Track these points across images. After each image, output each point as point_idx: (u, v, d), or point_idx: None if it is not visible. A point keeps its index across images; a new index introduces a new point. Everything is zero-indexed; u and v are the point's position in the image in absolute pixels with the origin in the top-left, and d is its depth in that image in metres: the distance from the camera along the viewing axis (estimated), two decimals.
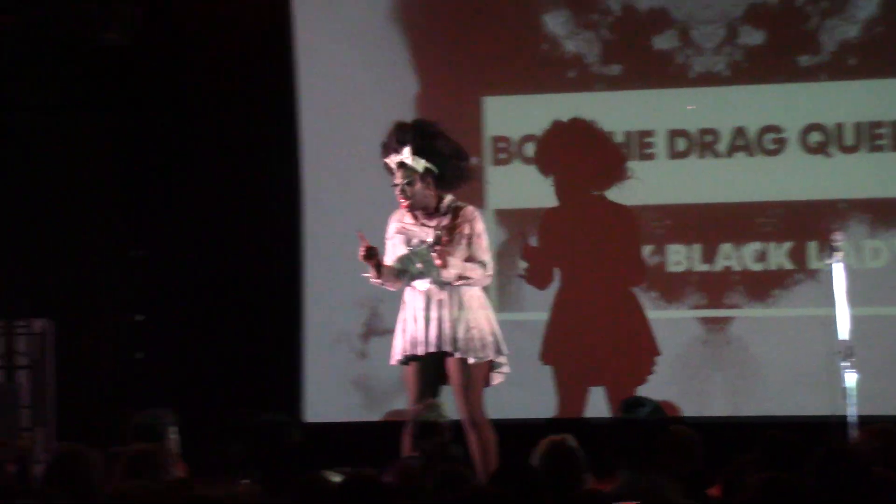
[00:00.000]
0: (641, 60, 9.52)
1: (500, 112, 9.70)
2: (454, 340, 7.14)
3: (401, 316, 7.35)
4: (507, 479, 4.55)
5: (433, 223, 7.24)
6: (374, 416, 9.54)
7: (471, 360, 7.17)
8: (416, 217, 7.29)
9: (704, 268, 9.44)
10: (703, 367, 9.38)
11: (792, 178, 9.34)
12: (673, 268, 9.41)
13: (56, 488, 4.92)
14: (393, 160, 7.27)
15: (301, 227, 9.82)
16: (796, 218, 9.31)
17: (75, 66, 10.06)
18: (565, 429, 5.74)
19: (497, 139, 9.68)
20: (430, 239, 7.21)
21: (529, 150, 9.63)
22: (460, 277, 7.19)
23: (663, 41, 9.50)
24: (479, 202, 9.63)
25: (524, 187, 9.58)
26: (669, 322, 9.40)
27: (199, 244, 10.05)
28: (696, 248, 9.45)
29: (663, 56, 9.49)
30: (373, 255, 7.28)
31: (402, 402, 8.43)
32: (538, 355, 9.41)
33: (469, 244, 7.27)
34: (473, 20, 9.73)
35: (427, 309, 7.18)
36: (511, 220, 9.55)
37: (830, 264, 7.73)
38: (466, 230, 7.28)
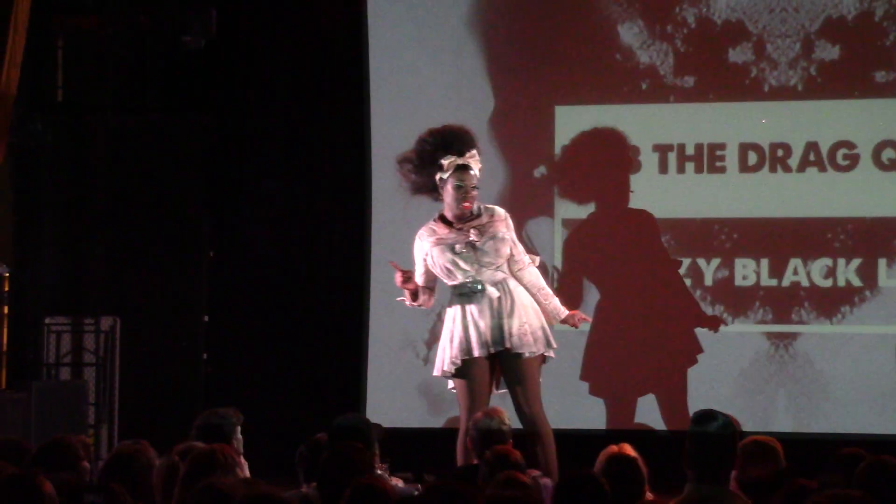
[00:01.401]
0: (715, 73, 9.48)
1: (572, 122, 9.68)
2: (510, 337, 7.13)
3: (450, 325, 7.28)
4: (573, 489, 4.52)
5: (470, 226, 7.21)
6: (437, 423, 9.54)
7: (526, 355, 7.15)
8: (450, 225, 7.25)
9: (772, 283, 9.37)
10: (769, 383, 9.31)
11: (863, 195, 9.27)
12: (740, 282, 9.35)
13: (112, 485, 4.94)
14: (457, 161, 7.20)
15: (368, 231, 9.84)
16: (866, 235, 9.23)
17: (153, 68, 10.15)
18: (626, 440, 5.70)
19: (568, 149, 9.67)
20: (473, 239, 7.19)
21: None
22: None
23: (738, 54, 9.46)
24: (547, 211, 9.63)
25: (591, 196, 9.55)
26: (736, 336, 9.33)
27: (266, 247, 10.10)
28: (764, 263, 9.38)
29: (737, 69, 9.45)
30: (410, 280, 7.29)
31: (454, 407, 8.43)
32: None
33: (514, 243, 7.29)
34: (548, 28, 9.73)
35: (482, 312, 7.15)
36: (578, 230, 9.55)
37: None
38: (503, 228, 7.28)
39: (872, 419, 8.83)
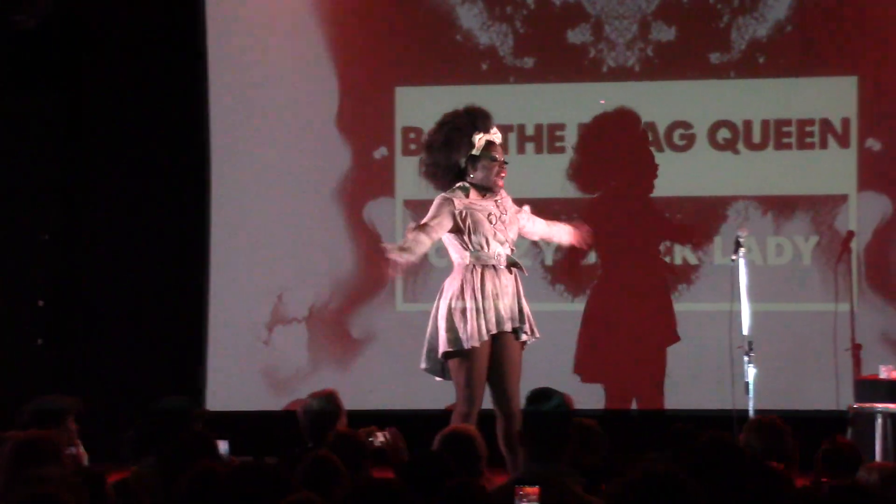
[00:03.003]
0: (554, 54, 9.55)
1: (413, 103, 9.68)
2: (527, 318, 7.06)
3: (476, 294, 7.06)
4: (415, 468, 4.53)
5: (495, 199, 7.15)
6: (278, 406, 9.49)
7: (529, 341, 7.10)
8: (482, 196, 7.16)
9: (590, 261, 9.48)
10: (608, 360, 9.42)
11: (699, 174, 9.41)
12: (580, 261, 9.42)
13: None
14: (486, 137, 7.14)
15: (208, 214, 9.74)
16: (702, 213, 9.38)
17: None
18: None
19: (408, 130, 9.67)
20: (505, 215, 7.12)
21: None
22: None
23: (577, 35, 9.54)
24: (388, 192, 9.63)
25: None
26: (574, 314, 9.41)
27: (105, 229, 9.93)
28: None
29: (576, 50, 9.53)
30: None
31: (307, 390, 8.38)
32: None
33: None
34: (388, 9, 9.71)
35: (505, 287, 7.00)
36: (419, 211, 9.53)
37: (735, 260, 7.79)
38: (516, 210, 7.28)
39: (706, 396, 8.97)
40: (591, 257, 9.44)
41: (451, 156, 7.14)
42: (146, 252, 9.84)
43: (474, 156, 7.13)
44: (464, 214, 7.05)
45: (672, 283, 9.34)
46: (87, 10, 10.00)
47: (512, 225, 7.16)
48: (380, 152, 9.69)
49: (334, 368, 9.56)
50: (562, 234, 7.41)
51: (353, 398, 9.26)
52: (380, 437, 5.90)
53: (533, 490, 4.46)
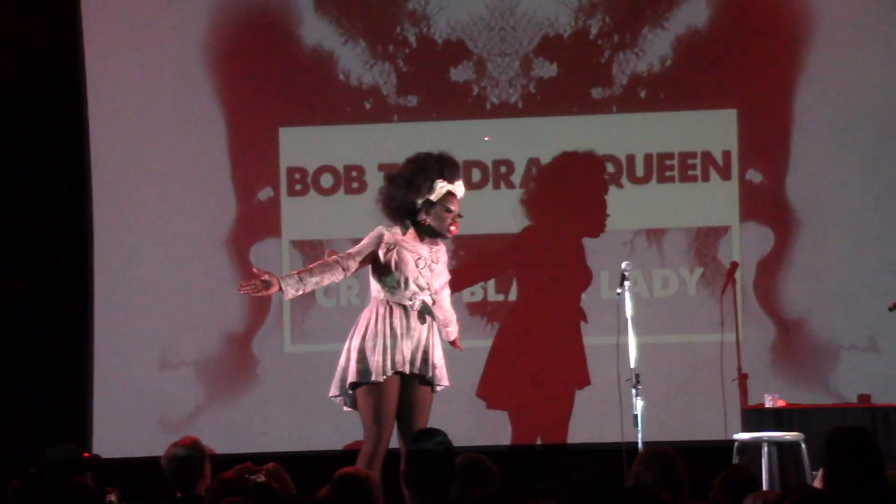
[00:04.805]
0: (438, 92, 9.58)
1: (297, 143, 9.66)
2: (433, 368, 7.02)
3: (383, 328, 7.01)
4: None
5: (431, 247, 7.12)
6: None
7: (437, 389, 7.08)
8: (420, 239, 7.13)
9: (499, 298, 9.50)
10: (500, 396, 9.43)
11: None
12: (468, 298, 9.44)
13: None
14: (448, 187, 7.12)
15: (90, 260, 9.61)
16: (589, 248, 9.43)
17: None
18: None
19: (293, 170, 9.64)
20: (435, 264, 7.09)
21: (326, 181, 9.61)
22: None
23: (459, 73, 9.58)
24: (274, 232, 9.59)
25: (320, 218, 9.55)
26: (466, 353, 9.40)
27: None
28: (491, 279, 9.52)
29: (459, 87, 9.57)
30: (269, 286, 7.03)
31: (198, 434, 8.28)
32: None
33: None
34: (271, 51, 9.68)
35: (412, 331, 6.96)
36: (307, 251, 9.51)
37: (620, 293, 7.83)
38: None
39: (596, 429, 9.01)
40: (512, 293, 9.50)
41: (409, 194, 7.13)
42: (29, 299, 9.70)
43: (431, 201, 7.13)
44: (391, 248, 7.06)
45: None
46: None
47: (439, 276, 7.17)
48: (265, 193, 9.66)
49: (224, 412, 9.49)
50: (451, 329, 7.40)
51: (246, 441, 9.24)
52: (261, 476, 5.86)
53: None
